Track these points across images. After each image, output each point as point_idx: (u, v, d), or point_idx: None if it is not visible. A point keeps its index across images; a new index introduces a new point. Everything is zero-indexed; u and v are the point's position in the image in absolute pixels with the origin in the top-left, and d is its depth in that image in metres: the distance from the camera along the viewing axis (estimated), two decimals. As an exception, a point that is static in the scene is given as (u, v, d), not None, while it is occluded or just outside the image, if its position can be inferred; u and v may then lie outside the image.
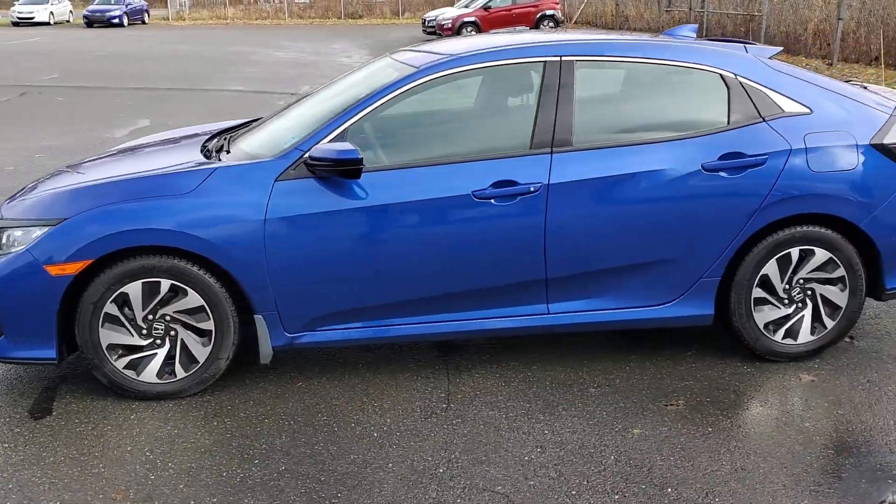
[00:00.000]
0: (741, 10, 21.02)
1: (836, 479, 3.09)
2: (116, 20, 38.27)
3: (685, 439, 3.37)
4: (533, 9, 28.26)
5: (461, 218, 3.67)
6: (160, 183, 3.68)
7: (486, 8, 27.94)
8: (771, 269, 3.91)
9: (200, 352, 3.69)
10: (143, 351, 3.68)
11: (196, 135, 4.66)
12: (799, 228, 3.88)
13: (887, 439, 3.36)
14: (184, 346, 3.70)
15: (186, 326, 3.68)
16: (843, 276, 3.95)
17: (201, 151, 4.10)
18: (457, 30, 27.46)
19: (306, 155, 3.60)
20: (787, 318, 4.01)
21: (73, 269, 3.50)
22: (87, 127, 11.30)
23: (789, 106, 3.90)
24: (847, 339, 4.28)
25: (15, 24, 39.33)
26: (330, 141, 3.64)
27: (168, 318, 3.66)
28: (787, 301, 3.99)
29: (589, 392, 3.79)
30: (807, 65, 15.84)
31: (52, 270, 3.49)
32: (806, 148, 3.83)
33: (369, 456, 3.28)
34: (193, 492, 3.05)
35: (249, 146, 3.96)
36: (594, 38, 4.19)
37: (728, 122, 3.87)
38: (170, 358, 3.70)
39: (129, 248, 3.54)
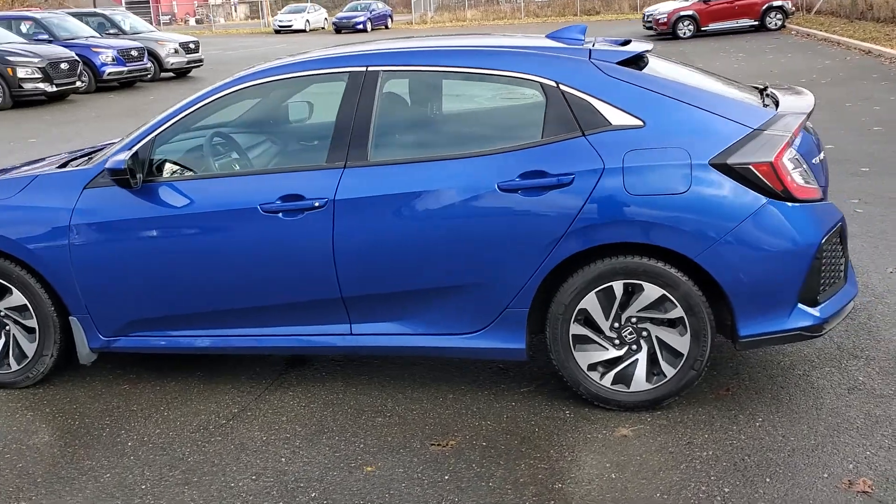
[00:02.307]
0: None
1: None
2: (360, 26, 40.83)
3: (406, 485, 3.08)
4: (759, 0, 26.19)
5: (249, 231, 3.60)
6: (-6, 189, 3.99)
7: (705, 0, 26.36)
8: (591, 303, 3.43)
9: (29, 348, 3.96)
10: (-17, 343, 4.02)
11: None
12: (620, 259, 3.37)
13: (627, 515, 2.84)
14: (16, 341, 3.98)
15: (17, 323, 3.96)
16: (682, 318, 3.37)
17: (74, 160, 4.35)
18: (672, 25, 26.22)
19: (108, 164, 3.72)
20: (617, 360, 3.50)
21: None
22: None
23: (619, 118, 3.39)
24: (724, 391, 3.65)
25: (277, 31, 43.31)
26: (137, 150, 3.72)
27: (2, 313, 3.96)
28: (617, 341, 3.48)
29: (374, 421, 3.57)
30: None
31: None
32: (623, 167, 3.31)
33: (99, 464, 3.34)
34: (-71, 477, 3.31)
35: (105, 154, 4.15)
36: (408, 46, 3.87)
37: (542, 137, 3.44)
38: (6, 351, 4.00)
39: None
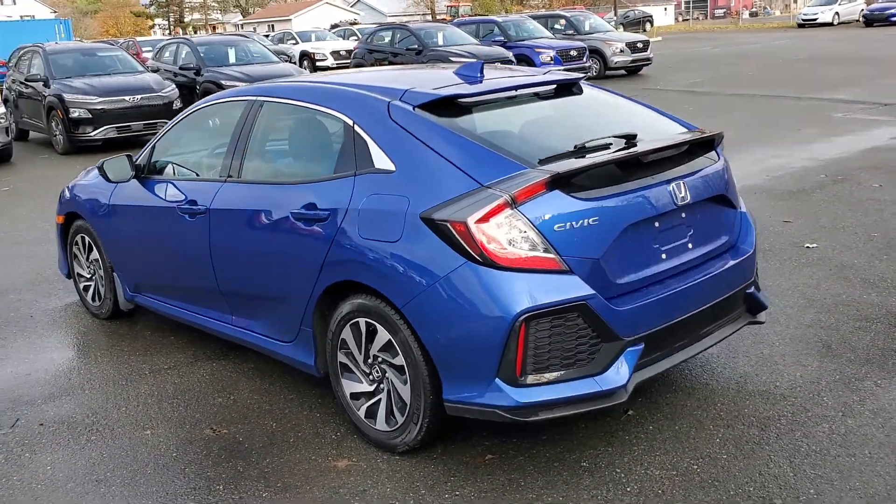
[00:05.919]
0: None
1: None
2: (894, 18, 36.41)
3: (145, 451, 3.67)
4: None
5: (172, 225, 4.45)
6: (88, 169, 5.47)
7: None
8: (347, 335, 3.56)
9: (102, 291, 5.40)
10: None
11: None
12: (362, 297, 3.45)
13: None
14: (98, 285, 5.45)
15: (98, 272, 5.42)
16: (404, 366, 3.34)
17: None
18: None
19: (126, 161, 4.90)
20: (369, 395, 3.57)
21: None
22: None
23: (381, 161, 3.43)
24: (486, 457, 3.44)
25: (800, 25, 40.89)
26: (139, 154, 4.86)
27: (97, 261, 5.46)
28: (370, 376, 3.56)
29: (214, 401, 4.14)
30: None
31: None
32: (360, 210, 3.39)
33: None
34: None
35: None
36: (290, 82, 4.22)
37: (333, 172, 3.66)
38: (95, 291, 5.50)
39: None
